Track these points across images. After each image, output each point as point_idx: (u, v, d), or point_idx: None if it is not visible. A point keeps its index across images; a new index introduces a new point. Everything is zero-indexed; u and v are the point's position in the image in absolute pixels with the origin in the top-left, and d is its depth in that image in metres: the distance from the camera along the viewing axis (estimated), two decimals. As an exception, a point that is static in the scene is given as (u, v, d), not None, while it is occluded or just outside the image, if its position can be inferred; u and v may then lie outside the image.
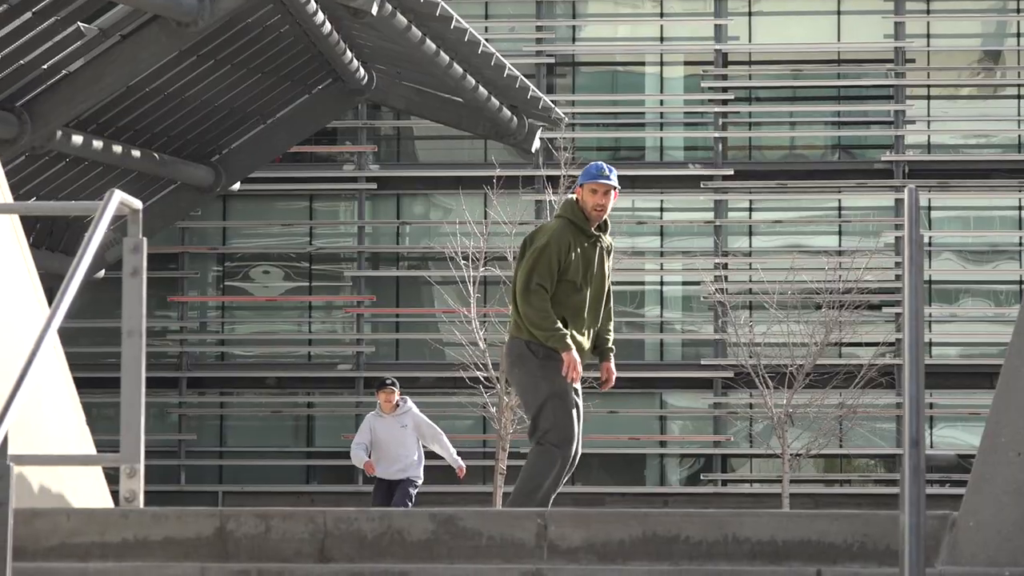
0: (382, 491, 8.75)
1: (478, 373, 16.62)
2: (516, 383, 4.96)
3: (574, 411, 4.50)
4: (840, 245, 19.77)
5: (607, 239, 4.78)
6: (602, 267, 4.66)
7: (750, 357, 16.75)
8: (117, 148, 13.31)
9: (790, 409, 15.79)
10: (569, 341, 4.38)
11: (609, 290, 4.76)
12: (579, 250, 4.51)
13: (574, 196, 4.69)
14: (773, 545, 2.80)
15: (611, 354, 4.81)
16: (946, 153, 22.32)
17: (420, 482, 8.89)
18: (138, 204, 3.18)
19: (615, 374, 4.75)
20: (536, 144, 18.43)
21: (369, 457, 8.61)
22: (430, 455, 9.33)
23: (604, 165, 4.69)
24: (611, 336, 4.81)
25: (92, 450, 4.14)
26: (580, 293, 4.53)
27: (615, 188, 4.56)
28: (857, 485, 19.26)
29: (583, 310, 4.54)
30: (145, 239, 3.17)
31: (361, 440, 8.83)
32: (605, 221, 4.71)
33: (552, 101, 18.53)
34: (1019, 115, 21.94)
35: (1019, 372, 3.18)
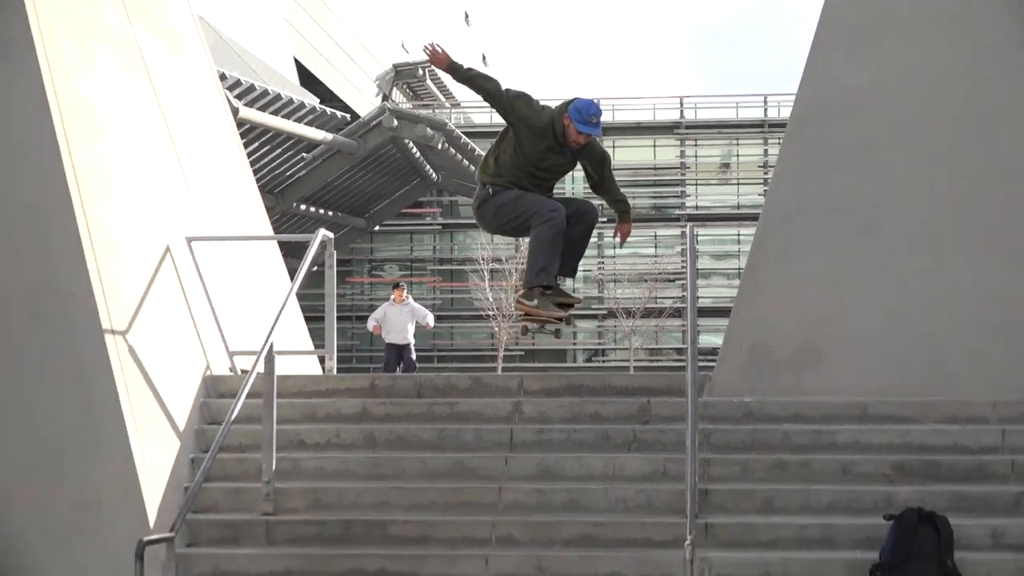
0: (393, 352, 13.19)
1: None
2: (492, 213, 5.07)
3: (538, 196, 4.91)
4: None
5: (591, 146, 5.01)
6: (566, 161, 5.01)
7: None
8: (322, 210, 26.70)
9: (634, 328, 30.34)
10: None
11: (605, 163, 5.14)
12: (541, 143, 4.83)
13: (562, 117, 4.80)
14: (627, 389, 5.68)
15: (625, 215, 5.34)
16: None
17: (413, 345, 13.30)
18: (331, 235, 6.56)
19: (629, 230, 5.31)
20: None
21: (379, 328, 13.10)
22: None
23: (596, 110, 4.81)
24: (622, 200, 5.32)
25: (311, 346, 7.52)
26: (529, 165, 4.88)
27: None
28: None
29: (526, 176, 4.89)
30: (334, 252, 6.62)
31: (375, 316, 13.25)
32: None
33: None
34: None
35: (756, 266, 6.25)
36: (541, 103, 4.90)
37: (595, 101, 4.58)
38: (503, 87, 4.88)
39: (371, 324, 13.19)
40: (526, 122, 4.77)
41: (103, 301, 5.06)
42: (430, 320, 13.58)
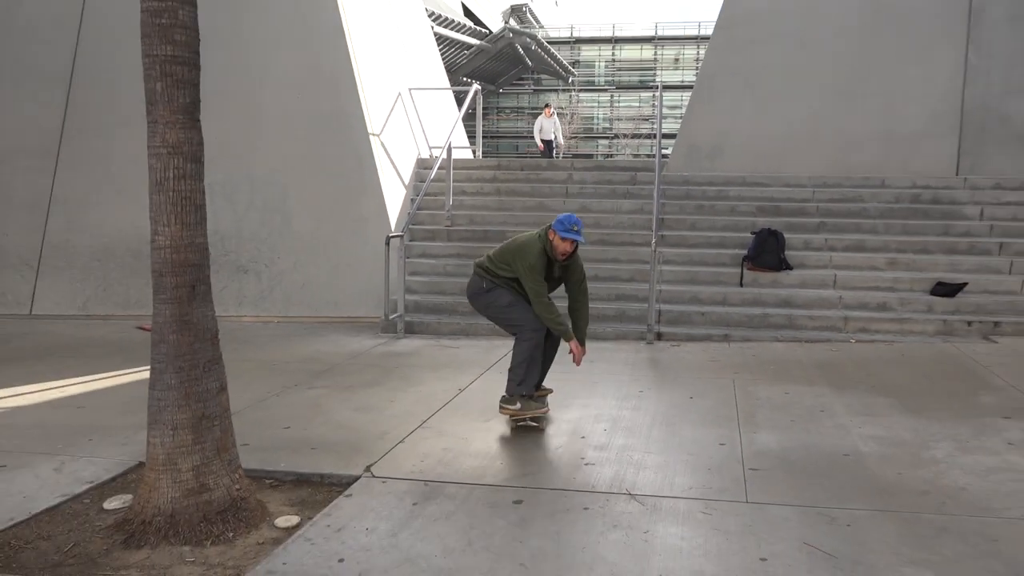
0: (547, 145, 17.06)
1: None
2: (483, 306, 5.19)
3: (527, 310, 5.07)
4: None
5: (574, 262, 5.20)
6: (563, 274, 5.19)
7: None
8: (472, 80, 35.78)
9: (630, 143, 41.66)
10: (571, 331, 5.04)
11: (580, 284, 5.23)
12: (547, 268, 5.05)
13: (548, 234, 5.02)
14: (624, 167, 10.76)
15: (582, 341, 5.21)
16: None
17: (555, 140, 17.03)
18: (479, 87, 11.40)
19: (582, 353, 5.12)
20: None
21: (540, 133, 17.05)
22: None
23: (577, 221, 4.97)
24: (583, 329, 5.24)
25: (470, 148, 12.24)
26: (548, 283, 5.10)
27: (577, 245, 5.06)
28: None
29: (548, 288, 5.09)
30: (480, 99, 11.29)
31: (537, 124, 17.09)
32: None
33: None
34: None
35: (692, 107, 11.07)
36: (530, 256, 5.02)
37: (574, 215, 5.03)
38: (541, 289, 5.03)
39: (536, 129, 17.09)
40: (539, 271, 5.03)
41: (368, 117, 9.85)
42: (559, 135, 17.39)
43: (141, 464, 4.42)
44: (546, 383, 5.95)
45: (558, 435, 4.92)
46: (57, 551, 3.44)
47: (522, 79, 59.09)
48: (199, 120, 3.71)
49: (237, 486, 3.72)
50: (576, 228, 5.02)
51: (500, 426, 5.10)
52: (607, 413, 5.40)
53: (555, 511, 3.75)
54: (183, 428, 3.58)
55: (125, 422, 5.25)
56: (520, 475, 4.21)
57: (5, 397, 5.96)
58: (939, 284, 8.65)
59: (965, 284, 8.62)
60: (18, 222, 10.11)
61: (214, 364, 3.72)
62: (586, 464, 4.38)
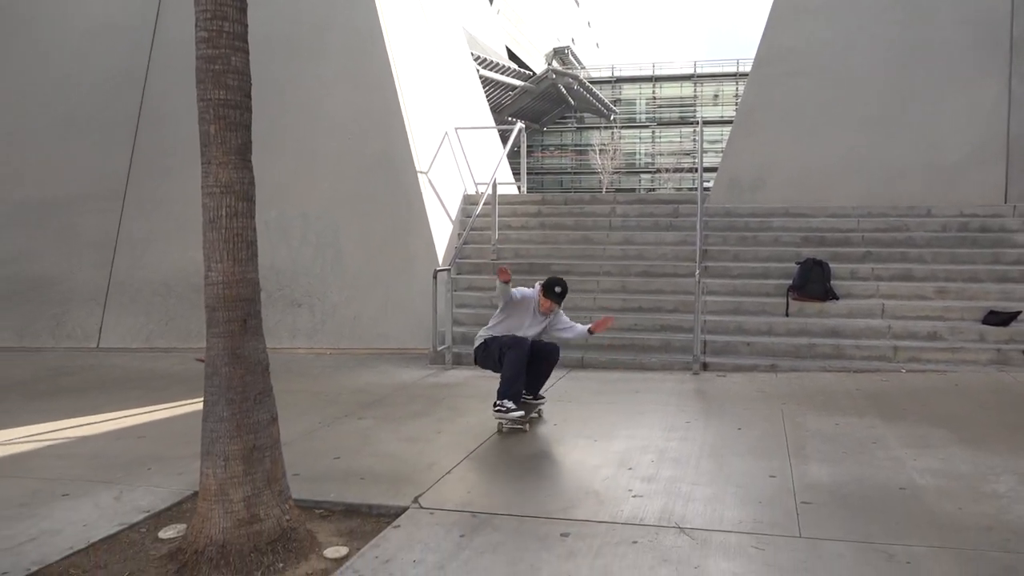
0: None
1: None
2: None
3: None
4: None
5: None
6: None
7: None
8: (516, 120, 38.14)
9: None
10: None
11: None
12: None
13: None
14: (667, 200, 10.69)
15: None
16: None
17: None
18: (523, 126, 11.54)
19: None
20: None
21: None
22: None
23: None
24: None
25: (514, 184, 12.26)
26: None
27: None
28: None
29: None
30: (525, 137, 11.45)
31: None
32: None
33: None
34: None
35: (732, 142, 11.03)
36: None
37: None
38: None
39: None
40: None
41: (416, 156, 9.92)
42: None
43: (195, 494, 4.40)
44: (578, 407, 5.83)
45: (605, 466, 4.77)
46: (112, 580, 3.41)
47: (565, 117, 59.64)
48: (250, 160, 3.73)
49: (287, 516, 3.67)
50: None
51: (547, 457, 4.98)
52: (654, 444, 5.24)
53: (603, 544, 3.61)
54: (235, 459, 3.55)
55: (183, 452, 5.26)
56: (568, 507, 4.08)
57: (70, 428, 6.04)
58: (991, 313, 8.30)
59: (1019, 313, 8.26)
60: (87, 260, 10.36)
61: (265, 396, 3.69)
62: (634, 496, 4.23)
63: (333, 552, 3.63)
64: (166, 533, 3.87)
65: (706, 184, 10.66)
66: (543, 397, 6.17)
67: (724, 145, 11.79)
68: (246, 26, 3.68)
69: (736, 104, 56.72)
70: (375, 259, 9.82)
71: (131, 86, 10.67)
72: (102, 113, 10.68)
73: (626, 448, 5.16)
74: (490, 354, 5.93)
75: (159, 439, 5.64)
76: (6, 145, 10.84)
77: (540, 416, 6.07)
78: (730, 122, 56.45)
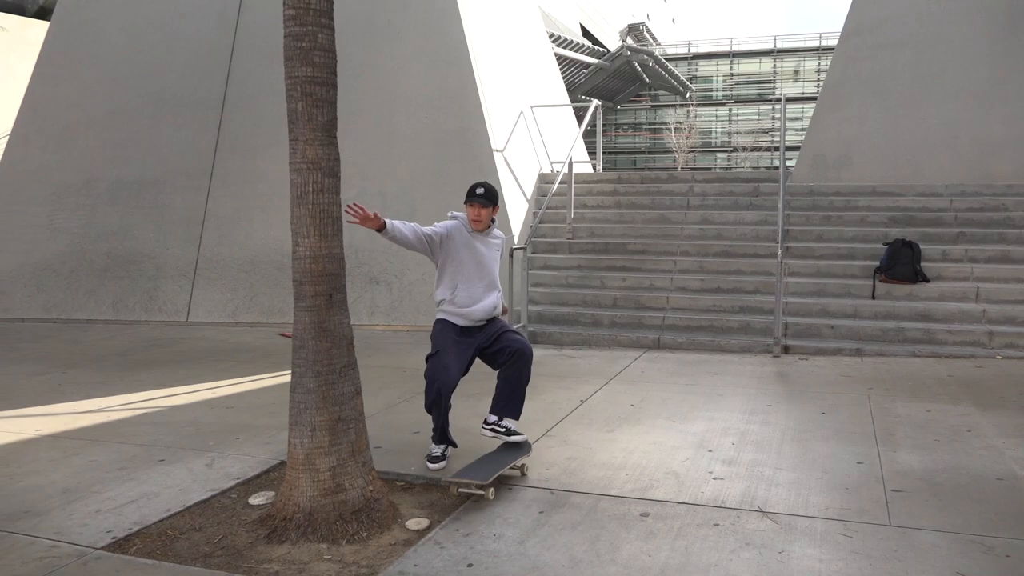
0: None
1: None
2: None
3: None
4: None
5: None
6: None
7: None
8: (591, 98, 33.43)
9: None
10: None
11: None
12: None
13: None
14: (747, 179, 10.29)
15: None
16: None
17: None
18: (599, 103, 11.24)
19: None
20: None
21: None
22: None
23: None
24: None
25: (589, 163, 12.14)
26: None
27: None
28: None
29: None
30: (600, 115, 11.12)
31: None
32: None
33: None
34: None
35: (817, 116, 10.52)
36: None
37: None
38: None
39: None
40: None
41: (492, 134, 9.92)
42: None
43: (282, 463, 4.54)
44: (655, 388, 5.71)
45: (684, 447, 4.71)
46: (207, 542, 3.55)
47: (639, 95, 58.62)
48: (336, 137, 3.78)
49: (371, 487, 3.74)
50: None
51: (625, 437, 4.94)
52: (734, 427, 5.14)
53: (684, 525, 3.57)
54: (321, 430, 3.63)
55: (268, 422, 5.42)
56: (646, 487, 4.05)
57: (163, 397, 6.30)
58: (1096, 297, 7.83)
59: None
60: (177, 237, 10.75)
61: (349, 369, 3.76)
62: (714, 478, 4.16)
63: (415, 524, 3.69)
64: (255, 499, 4.00)
65: (788, 162, 10.31)
66: (519, 434, 4.42)
67: (805, 122, 11.32)
68: (331, 3, 3.72)
69: (818, 80, 54.68)
70: (451, 237, 9.90)
71: (217, 67, 10.97)
72: (191, 94, 11.02)
73: (706, 430, 5.07)
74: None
75: (246, 409, 5.83)
76: (105, 126, 11.30)
77: (523, 474, 4.28)
78: (812, 98, 54.88)
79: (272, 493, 4.07)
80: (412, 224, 4.41)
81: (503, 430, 4.41)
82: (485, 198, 4.49)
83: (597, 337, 8.30)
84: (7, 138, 12.14)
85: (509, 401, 4.43)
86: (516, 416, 4.46)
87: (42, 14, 16.29)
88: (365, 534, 3.56)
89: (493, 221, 4.63)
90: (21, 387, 6.76)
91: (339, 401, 3.68)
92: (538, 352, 7.92)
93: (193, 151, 10.90)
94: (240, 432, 5.21)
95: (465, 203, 4.55)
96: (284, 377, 6.93)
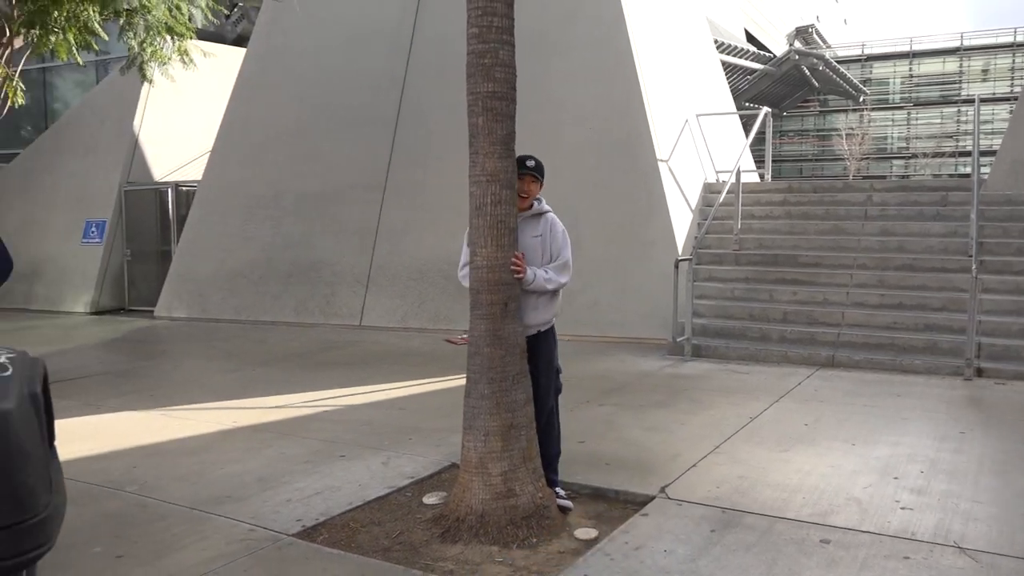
0: None
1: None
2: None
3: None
4: None
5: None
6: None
7: None
8: (755, 105, 31.80)
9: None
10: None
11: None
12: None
13: None
14: (933, 187, 9.57)
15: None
16: None
17: None
18: (769, 110, 11.01)
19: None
20: None
21: None
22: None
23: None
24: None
25: (756, 172, 11.77)
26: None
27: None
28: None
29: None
30: (770, 122, 10.72)
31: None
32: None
33: None
34: None
35: (1014, 126, 9.51)
36: None
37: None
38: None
39: None
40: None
41: (657, 144, 9.81)
42: None
43: (453, 465, 4.69)
44: (831, 408, 5.38)
45: (865, 472, 4.43)
46: (386, 536, 3.73)
47: (807, 101, 55.95)
48: (513, 150, 3.88)
49: (540, 494, 3.79)
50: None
51: (800, 458, 4.71)
52: (922, 453, 4.78)
53: (869, 556, 3.35)
54: (494, 435, 3.72)
55: (438, 425, 5.62)
56: (826, 513, 3.84)
57: (341, 396, 6.69)
58: None
59: None
60: (352, 246, 11.40)
61: (522, 377, 3.83)
62: (902, 508, 3.88)
63: (583, 533, 3.70)
64: (429, 499, 4.16)
65: (982, 168, 9.49)
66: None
67: (996, 125, 10.35)
68: (512, 20, 3.83)
69: (1012, 79, 49.91)
70: (612, 246, 9.85)
71: (392, 85, 11.55)
72: (368, 112, 11.67)
73: (889, 455, 4.74)
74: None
75: (417, 411, 6.08)
76: (291, 143, 12.20)
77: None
78: (1005, 99, 49.32)
79: (444, 493, 4.21)
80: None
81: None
82: (536, 171, 4.19)
83: (765, 352, 7.98)
84: (208, 155, 13.38)
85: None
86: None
87: (239, 42, 17.86)
88: (535, 540, 3.61)
89: (538, 200, 4.32)
90: (217, 382, 7.40)
91: (511, 408, 3.76)
92: (703, 366, 7.72)
93: (369, 166, 11.52)
94: (412, 433, 5.43)
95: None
96: (452, 382, 7.17)
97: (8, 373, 1.47)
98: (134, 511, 4.06)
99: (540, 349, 4.05)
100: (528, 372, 3.87)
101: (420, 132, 11.19)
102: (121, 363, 8.57)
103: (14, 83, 6.57)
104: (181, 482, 4.51)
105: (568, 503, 4.06)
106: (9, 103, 6.77)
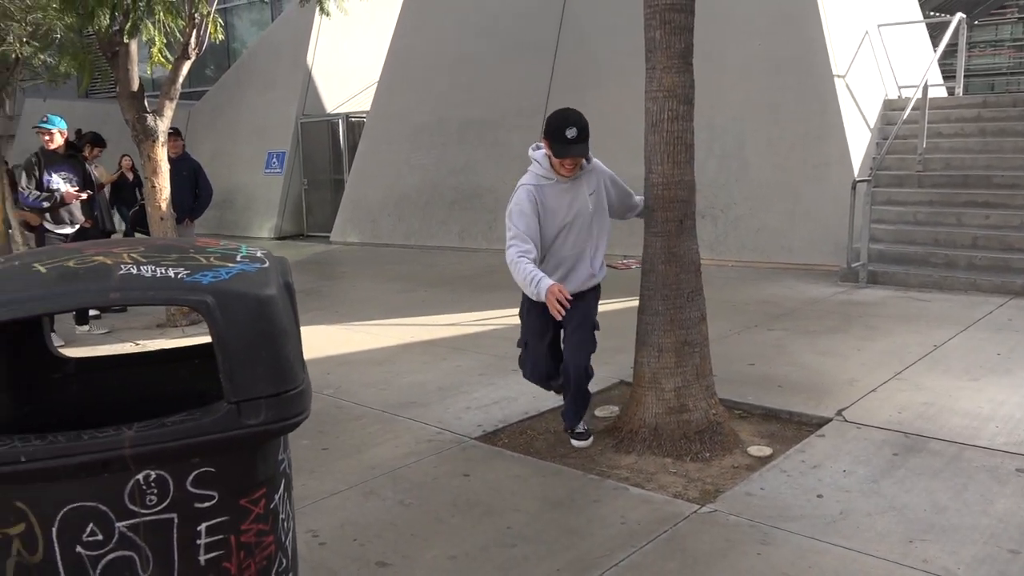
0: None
1: None
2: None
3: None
4: None
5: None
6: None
7: None
8: (939, 14, 29.97)
9: None
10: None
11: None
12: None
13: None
14: None
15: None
16: None
17: None
18: (964, 16, 10.04)
19: None
20: None
21: None
22: None
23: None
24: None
25: (944, 87, 10.88)
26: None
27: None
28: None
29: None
30: (965, 30, 9.66)
31: None
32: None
33: None
34: None
35: None
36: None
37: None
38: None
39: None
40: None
41: (833, 58, 9.18)
42: None
43: (621, 382, 4.80)
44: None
45: (1069, 405, 4.12)
46: (562, 444, 3.90)
47: (1003, 7, 49.78)
48: (692, 64, 3.79)
49: (713, 411, 3.82)
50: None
51: (992, 388, 4.44)
52: None
53: (1073, 488, 3.16)
54: (667, 351, 3.77)
55: (605, 344, 5.66)
56: (1023, 443, 3.63)
57: (510, 316, 6.89)
58: None
59: None
60: (513, 172, 11.52)
61: (696, 295, 3.83)
62: (1112, 442, 3.60)
63: (757, 451, 3.71)
64: (601, 412, 4.30)
65: None
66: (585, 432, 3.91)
67: None
68: (691, -72, 3.69)
69: None
70: (782, 169, 9.41)
71: (552, 12, 11.42)
72: (528, 38, 11.64)
73: (1097, 388, 4.38)
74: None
75: (582, 332, 6.20)
76: (454, 71, 12.42)
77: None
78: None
79: (614, 408, 4.33)
80: (527, 247, 3.79)
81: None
82: (581, 138, 3.62)
83: (951, 280, 7.45)
84: (375, 86, 13.89)
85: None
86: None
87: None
88: (708, 454, 3.66)
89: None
90: (393, 301, 7.86)
91: (685, 325, 3.77)
92: (879, 293, 7.33)
93: (529, 91, 11.55)
94: (579, 351, 5.57)
95: (550, 149, 3.68)
96: (615, 304, 7.22)
97: (267, 265, 1.67)
98: (333, 411, 4.47)
99: (578, 305, 3.71)
100: (702, 289, 3.86)
101: (580, 58, 11.04)
102: (307, 283, 9.26)
103: (212, 18, 7.07)
104: (370, 388, 4.90)
105: (584, 442, 3.84)
106: (210, 37, 7.28)
